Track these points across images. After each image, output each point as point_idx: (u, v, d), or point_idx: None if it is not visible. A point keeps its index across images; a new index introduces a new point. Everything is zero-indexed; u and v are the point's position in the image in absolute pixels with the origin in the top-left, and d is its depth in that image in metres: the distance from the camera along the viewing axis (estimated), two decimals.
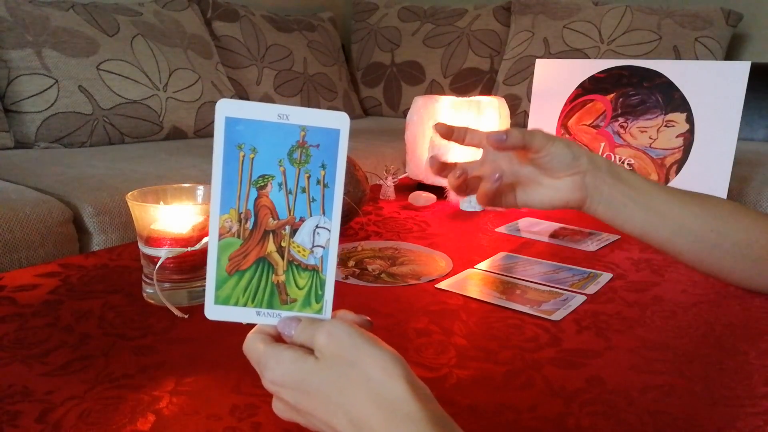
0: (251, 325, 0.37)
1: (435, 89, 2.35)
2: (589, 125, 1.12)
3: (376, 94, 2.49)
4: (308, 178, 0.36)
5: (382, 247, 0.79)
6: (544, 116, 1.16)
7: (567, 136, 1.14)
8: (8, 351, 0.49)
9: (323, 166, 0.36)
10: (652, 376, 0.47)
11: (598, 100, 1.11)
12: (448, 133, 0.62)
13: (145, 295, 0.60)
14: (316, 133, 0.35)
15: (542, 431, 0.40)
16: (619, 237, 0.86)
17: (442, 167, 0.61)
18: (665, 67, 1.04)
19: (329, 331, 0.33)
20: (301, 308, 0.37)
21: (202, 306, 0.37)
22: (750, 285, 0.62)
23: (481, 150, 0.63)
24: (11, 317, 0.55)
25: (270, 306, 0.37)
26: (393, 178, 1.09)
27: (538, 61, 1.16)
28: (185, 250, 0.56)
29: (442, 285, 0.65)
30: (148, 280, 0.58)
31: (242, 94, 2.04)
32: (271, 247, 0.36)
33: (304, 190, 0.36)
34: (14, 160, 1.31)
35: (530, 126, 1.19)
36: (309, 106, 2.20)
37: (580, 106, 1.13)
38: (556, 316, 0.58)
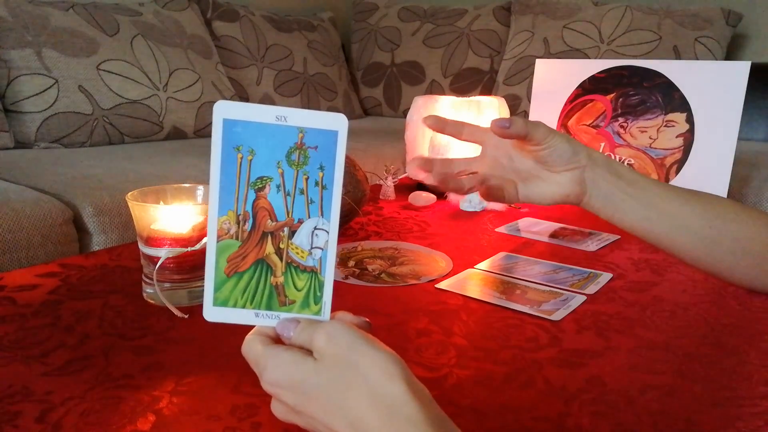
0: (250, 326, 0.37)
1: (435, 89, 2.35)
2: (589, 125, 1.12)
3: (376, 94, 2.49)
4: (306, 179, 0.36)
5: (382, 247, 0.79)
6: (544, 116, 1.16)
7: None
8: (8, 351, 0.49)
9: (321, 168, 0.36)
10: (652, 376, 0.47)
11: (598, 100, 1.11)
12: (440, 125, 0.62)
13: (145, 295, 0.60)
14: (315, 135, 0.35)
15: (542, 431, 0.40)
16: (619, 237, 0.86)
17: (425, 162, 0.61)
18: (665, 67, 1.04)
19: (328, 333, 0.33)
20: (299, 310, 0.37)
21: (202, 307, 0.37)
22: (749, 284, 0.62)
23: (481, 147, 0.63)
24: (11, 317, 0.55)
25: (268, 307, 0.37)
26: (393, 178, 1.09)
27: (538, 61, 1.16)
28: (185, 250, 0.56)
29: (442, 285, 0.65)
30: (148, 280, 0.58)
31: (242, 94, 2.03)
32: (269, 248, 0.36)
33: (302, 192, 0.36)
34: (14, 160, 1.31)
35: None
36: (309, 107, 2.20)
37: (580, 106, 1.13)
38: (556, 316, 0.58)
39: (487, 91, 2.28)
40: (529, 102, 1.23)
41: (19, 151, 1.42)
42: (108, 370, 0.46)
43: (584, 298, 0.63)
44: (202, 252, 0.56)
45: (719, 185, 0.98)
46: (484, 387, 0.45)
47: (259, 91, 2.07)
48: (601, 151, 1.09)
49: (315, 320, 0.36)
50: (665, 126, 1.04)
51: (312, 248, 0.36)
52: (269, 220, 0.36)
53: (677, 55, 1.91)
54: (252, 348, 0.35)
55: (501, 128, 0.55)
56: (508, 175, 0.61)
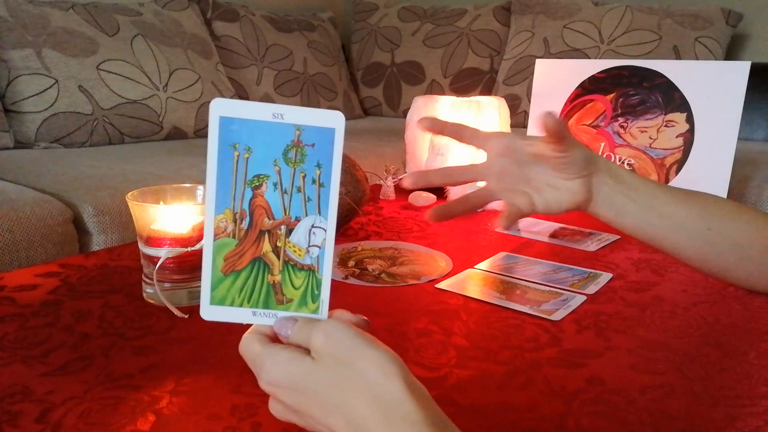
0: (248, 325, 0.37)
1: (435, 89, 2.35)
2: (589, 125, 1.12)
3: (376, 94, 2.49)
4: (303, 177, 0.36)
5: (382, 247, 0.79)
6: None
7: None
8: (8, 351, 0.49)
9: (319, 166, 0.35)
10: (652, 376, 0.47)
11: (598, 100, 1.11)
12: (438, 128, 0.59)
13: (145, 295, 0.60)
14: (311, 133, 0.35)
15: (542, 431, 0.40)
16: (619, 237, 0.86)
17: (420, 177, 0.59)
18: (665, 67, 1.04)
19: (326, 332, 0.33)
20: (297, 308, 0.37)
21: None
22: (751, 285, 0.62)
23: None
24: (11, 317, 0.55)
25: (266, 306, 0.37)
26: (393, 178, 1.09)
27: (538, 61, 1.16)
28: (185, 250, 0.56)
29: (442, 285, 0.65)
30: (148, 280, 0.58)
31: (242, 94, 2.04)
32: (266, 247, 0.36)
33: (299, 190, 0.36)
34: (14, 160, 1.31)
35: (530, 126, 1.19)
36: (309, 106, 2.20)
37: (580, 106, 1.13)
38: (556, 316, 0.58)
39: (487, 91, 2.28)
40: (529, 102, 1.23)
41: (19, 151, 1.42)
42: (108, 370, 0.46)
43: (584, 298, 0.63)
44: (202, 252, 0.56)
45: (719, 185, 0.98)
46: (484, 387, 0.45)
47: (259, 91, 2.07)
48: (601, 151, 1.09)
49: (313, 319, 0.36)
50: (665, 126, 1.04)
51: (309, 246, 0.36)
52: (266, 218, 0.36)
53: (677, 55, 1.91)
54: (250, 347, 0.35)
55: (555, 123, 0.52)
56: (519, 185, 0.58)
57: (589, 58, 1.99)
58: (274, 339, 0.36)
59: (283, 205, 0.36)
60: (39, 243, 0.96)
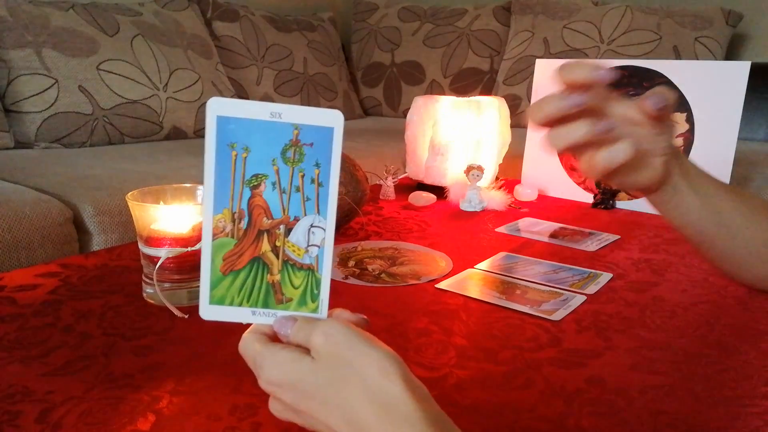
0: (248, 325, 0.37)
1: (435, 89, 2.35)
2: None
3: (376, 94, 2.49)
4: (302, 176, 0.35)
5: (382, 247, 0.79)
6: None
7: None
8: (8, 351, 0.49)
9: (317, 165, 0.35)
10: (652, 376, 0.47)
11: None
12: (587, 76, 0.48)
13: (145, 295, 0.60)
14: (310, 132, 0.35)
15: (542, 431, 0.40)
16: (619, 237, 0.86)
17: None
18: (665, 67, 1.04)
19: (325, 331, 0.33)
20: (296, 307, 0.37)
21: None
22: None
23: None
24: (11, 317, 0.55)
25: (265, 306, 0.37)
26: (393, 178, 1.09)
27: (538, 61, 1.16)
28: (185, 250, 0.56)
29: (442, 285, 0.65)
30: (148, 280, 0.58)
31: (242, 94, 2.04)
32: (265, 246, 0.36)
33: (298, 189, 0.36)
34: (14, 160, 1.31)
35: (530, 127, 1.19)
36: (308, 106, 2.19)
37: None
38: (556, 316, 0.58)
39: (487, 91, 2.28)
40: (529, 102, 1.23)
41: (19, 151, 1.42)
42: (108, 370, 0.46)
43: (584, 298, 0.63)
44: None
45: None
46: (484, 387, 0.45)
47: (259, 91, 2.07)
48: None
49: (312, 318, 0.36)
50: None
51: (308, 246, 0.36)
52: (265, 218, 0.36)
53: (677, 55, 1.91)
54: (249, 346, 0.35)
55: (658, 106, 0.49)
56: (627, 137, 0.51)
57: (589, 58, 1.99)
58: (274, 338, 0.36)
59: (282, 204, 0.36)
60: (39, 243, 0.96)
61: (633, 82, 1.07)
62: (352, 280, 0.66)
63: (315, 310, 0.37)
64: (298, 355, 0.34)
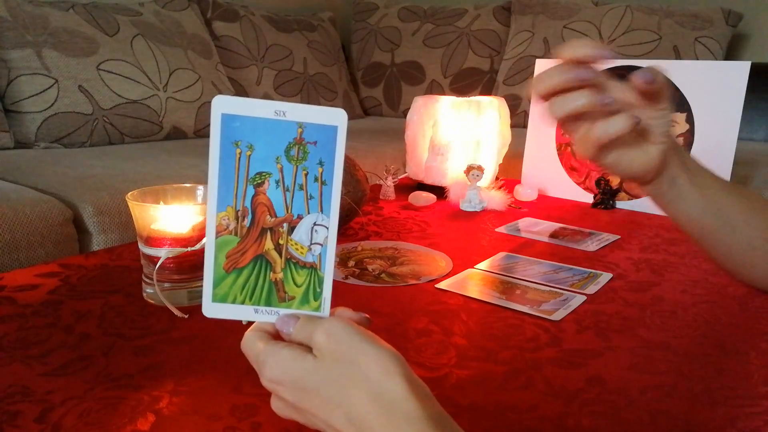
0: (251, 324, 0.37)
1: (435, 89, 2.35)
2: None
3: (376, 94, 2.49)
4: (306, 175, 0.36)
5: (382, 247, 0.79)
6: (544, 116, 1.16)
7: (566, 136, 1.14)
8: (8, 351, 0.49)
9: (321, 163, 0.35)
10: (652, 376, 0.47)
11: None
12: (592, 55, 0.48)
13: (145, 295, 0.60)
14: (314, 130, 0.35)
15: (542, 431, 0.40)
16: (619, 237, 0.86)
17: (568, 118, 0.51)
18: (665, 67, 1.03)
19: (327, 330, 0.33)
20: (299, 306, 0.37)
21: (201, 306, 0.37)
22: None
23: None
24: (11, 317, 0.55)
25: (268, 303, 0.37)
26: (393, 178, 1.09)
27: (538, 61, 1.16)
28: (185, 250, 0.56)
29: (442, 285, 0.65)
30: (148, 280, 0.58)
31: (242, 94, 2.04)
32: (268, 244, 0.36)
33: (301, 188, 0.36)
34: (14, 160, 1.31)
35: (530, 127, 1.19)
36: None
37: None
38: (556, 316, 0.58)
39: (487, 91, 2.28)
40: (529, 102, 1.23)
41: (19, 151, 1.42)
42: (108, 370, 0.46)
43: (584, 298, 0.63)
44: (202, 252, 0.56)
45: None
46: (484, 387, 0.45)
47: (259, 91, 2.07)
48: None
49: (315, 317, 0.36)
50: None
51: (311, 244, 0.36)
52: (268, 216, 0.36)
53: (677, 55, 1.91)
54: (252, 344, 0.35)
55: (647, 81, 0.49)
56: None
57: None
58: (276, 336, 0.36)
59: (285, 202, 0.36)
60: (39, 243, 0.96)
61: None
62: (352, 280, 0.66)
63: (317, 309, 0.37)
64: (300, 353, 0.34)
